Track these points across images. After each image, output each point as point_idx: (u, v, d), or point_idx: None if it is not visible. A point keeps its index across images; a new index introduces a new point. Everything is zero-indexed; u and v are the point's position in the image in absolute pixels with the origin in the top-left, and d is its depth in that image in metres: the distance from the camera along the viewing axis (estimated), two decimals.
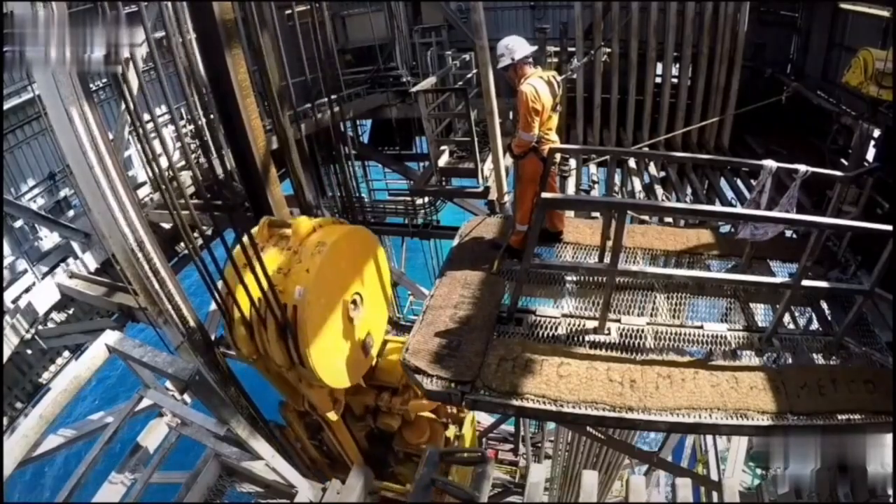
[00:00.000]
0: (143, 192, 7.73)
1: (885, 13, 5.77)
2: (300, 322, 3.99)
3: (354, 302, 4.60)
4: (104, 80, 7.75)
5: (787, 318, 4.13)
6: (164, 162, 4.04)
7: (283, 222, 4.55)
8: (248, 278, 3.92)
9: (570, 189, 6.94)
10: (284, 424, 5.79)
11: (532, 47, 4.36)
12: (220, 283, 4.15)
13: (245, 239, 3.77)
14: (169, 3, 4.46)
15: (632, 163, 8.02)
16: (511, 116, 7.64)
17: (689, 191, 7.86)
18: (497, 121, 5.35)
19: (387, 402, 5.56)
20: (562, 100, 4.73)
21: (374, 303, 4.92)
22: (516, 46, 4.28)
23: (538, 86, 4.17)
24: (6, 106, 6.46)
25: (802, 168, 3.89)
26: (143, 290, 4.13)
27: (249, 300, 4.05)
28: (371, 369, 5.55)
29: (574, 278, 4.57)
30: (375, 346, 5.05)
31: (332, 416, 5.04)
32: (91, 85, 6.32)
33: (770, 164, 3.99)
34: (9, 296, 6.08)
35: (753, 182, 4.90)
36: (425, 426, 5.81)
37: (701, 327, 4.01)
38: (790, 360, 3.77)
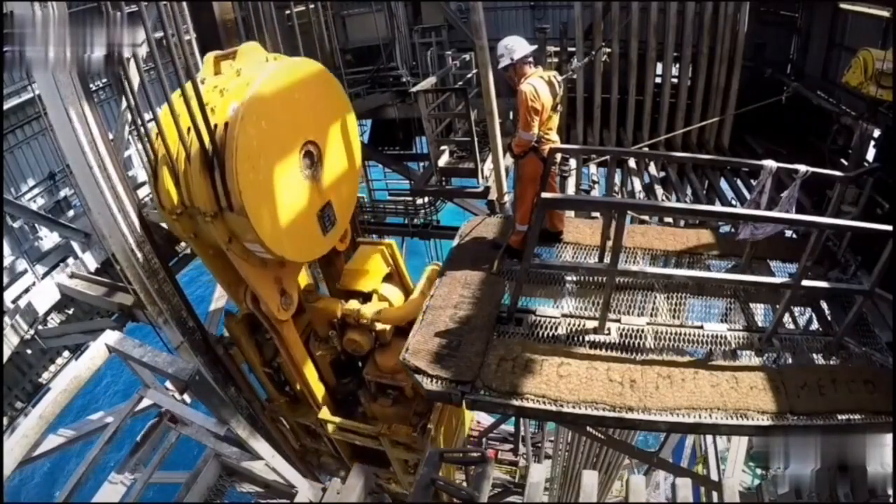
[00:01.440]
0: (143, 192, 7.73)
1: (885, 13, 5.76)
2: (229, 141, 3.20)
3: (310, 155, 3.81)
4: (104, 80, 7.76)
5: (787, 318, 4.13)
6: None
7: (232, 51, 3.81)
8: (181, 108, 3.20)
9: (570, 189, 6.93)
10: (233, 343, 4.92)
11: (532, 47, 4.36)
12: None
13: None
14: (168, 3, 4.47)
15: (632, 163, 8.02)
16: (511, 116, 7.64)
17: (689, 191, 7.86)
18: (497, 121, 5.35)
19: (354, 312, 4.69)
20: (562, 100, 4.73)
21: (336, 171, 4.19)
22: (516, 46, 4.28)
23: (538, 85, 4.18)
24: (6, 106, 6.47)
25: (802, 168, 3.89)
26: (143, 290, 4.14)
27: (178, 133, 3.32)
28: (339, 272, 4.86)
29: (574, 278, 4.57)
30: (338, 227, 4.30)
31: (278, 312, 4.22)
32: (91, 85, 6.33)
33: (770, 164, 3.99)
34: (9, 296, 6.08)
35: (753, 182, 4.90)
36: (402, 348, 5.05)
37: (701, 327, 4.00)
38: (790, 360, 3.77)
